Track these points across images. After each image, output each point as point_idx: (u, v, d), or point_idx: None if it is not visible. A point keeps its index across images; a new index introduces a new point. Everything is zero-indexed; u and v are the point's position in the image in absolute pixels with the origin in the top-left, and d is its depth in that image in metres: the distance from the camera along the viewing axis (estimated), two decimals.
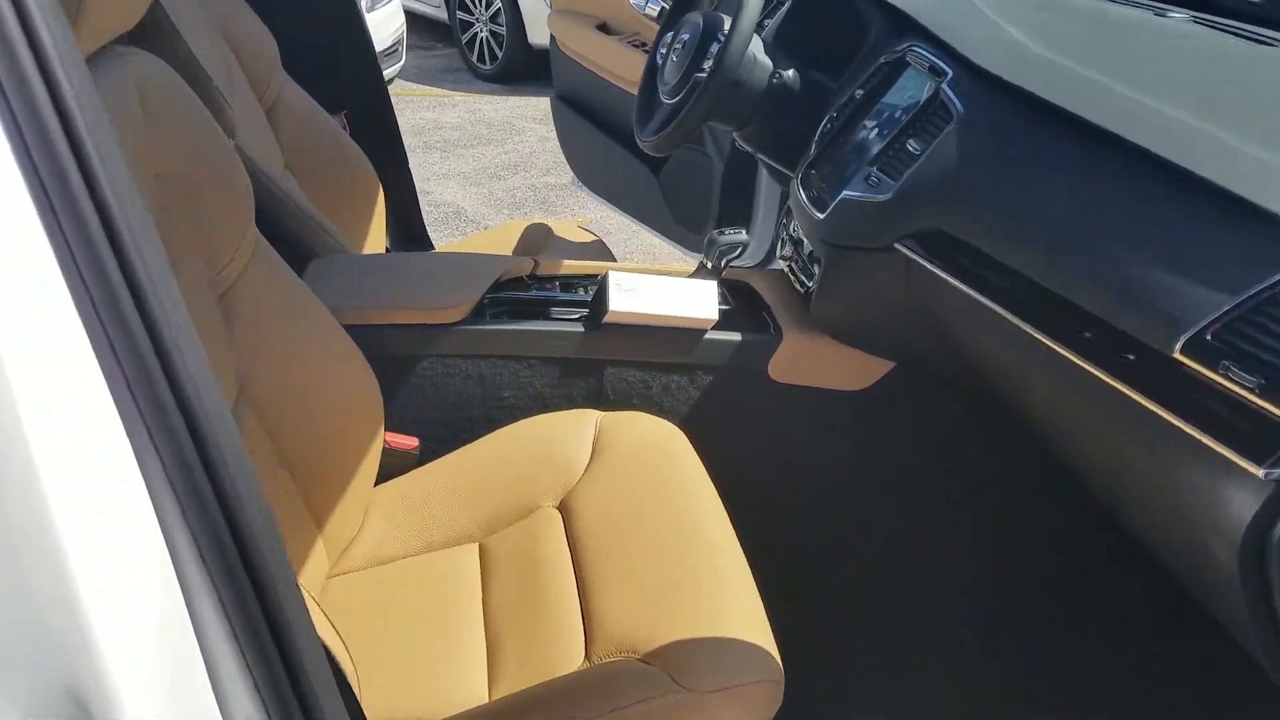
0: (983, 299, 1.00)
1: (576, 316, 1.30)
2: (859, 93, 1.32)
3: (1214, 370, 0.78)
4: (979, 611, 1.33)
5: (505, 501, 1.14)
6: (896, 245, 1.12)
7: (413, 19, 5.94)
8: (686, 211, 2.20)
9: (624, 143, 2.28)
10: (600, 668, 0.90)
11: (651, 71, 1.58)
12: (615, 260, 1.80)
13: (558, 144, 2.68)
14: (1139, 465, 0.89)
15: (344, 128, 1.75)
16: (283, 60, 1.60)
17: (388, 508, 1.15)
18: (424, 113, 5.11)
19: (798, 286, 1.32)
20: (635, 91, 1.62)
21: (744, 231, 1.34)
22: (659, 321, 1.24)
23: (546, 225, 1.84)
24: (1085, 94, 1.00)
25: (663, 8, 2.09)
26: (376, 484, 1.16)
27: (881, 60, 1.32)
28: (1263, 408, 0.75)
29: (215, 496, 0.48)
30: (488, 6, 5.61)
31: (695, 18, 1.44)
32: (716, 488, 1.14)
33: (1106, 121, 0.95)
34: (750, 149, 1.55)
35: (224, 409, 0.50)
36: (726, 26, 1.38)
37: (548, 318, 1.28)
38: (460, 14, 5.77)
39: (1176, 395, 0.81)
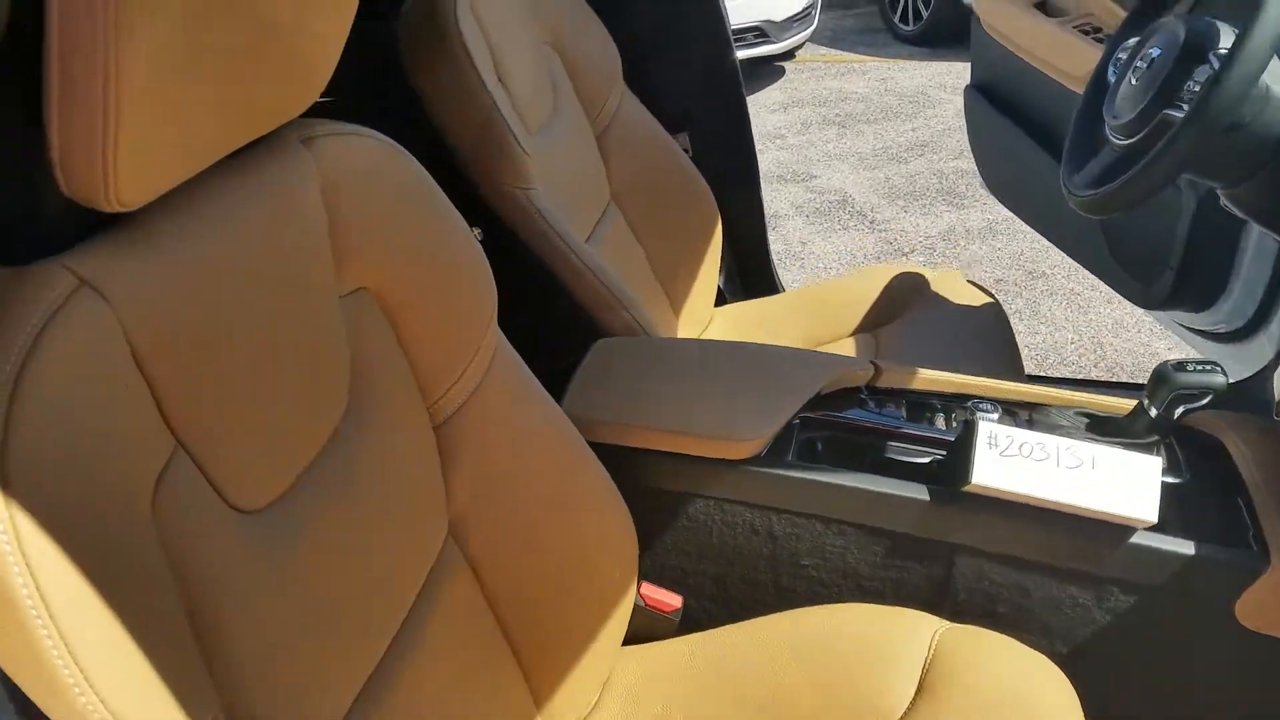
0: None
1: (926, 463, 0.92)
2: None
3: None
4: None
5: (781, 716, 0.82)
6: None
7: None
8: (1132, 250, 1.65)
9: (1053, 152, 1.77)
10: None
11: (1097, 91, 1.11)
12: (1016, 351, 1.35)
13: None
14: None
15: (686, 150, 1.48)
16: (624, 69, 1.36)
17: (633, 683, 0.89)
18: (829, 81, 4.74)
19: None
20: (1077, 90, 1.15)
21: (1218, 370, 0.86)
22: (1051, 505, 0.82)
23: (921, 276, 1.43)
24: None
25: None
26: (625, 645, 0.90)
27: None
28: None
29: None
30: None
31: (1174, 24, 0.96)
32: None
33: None
34: (1243, 215, 1.03)
35: None
36: (1223, 42, 0.90)
37: (879, 466, 0.91)
38: None
39: None
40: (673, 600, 0.94)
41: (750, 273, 1.64)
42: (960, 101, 4.23)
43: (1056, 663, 0.81)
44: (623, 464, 0.88)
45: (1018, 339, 1.40)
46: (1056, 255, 2.86)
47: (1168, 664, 0.84)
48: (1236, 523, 0.84)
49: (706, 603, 0.96)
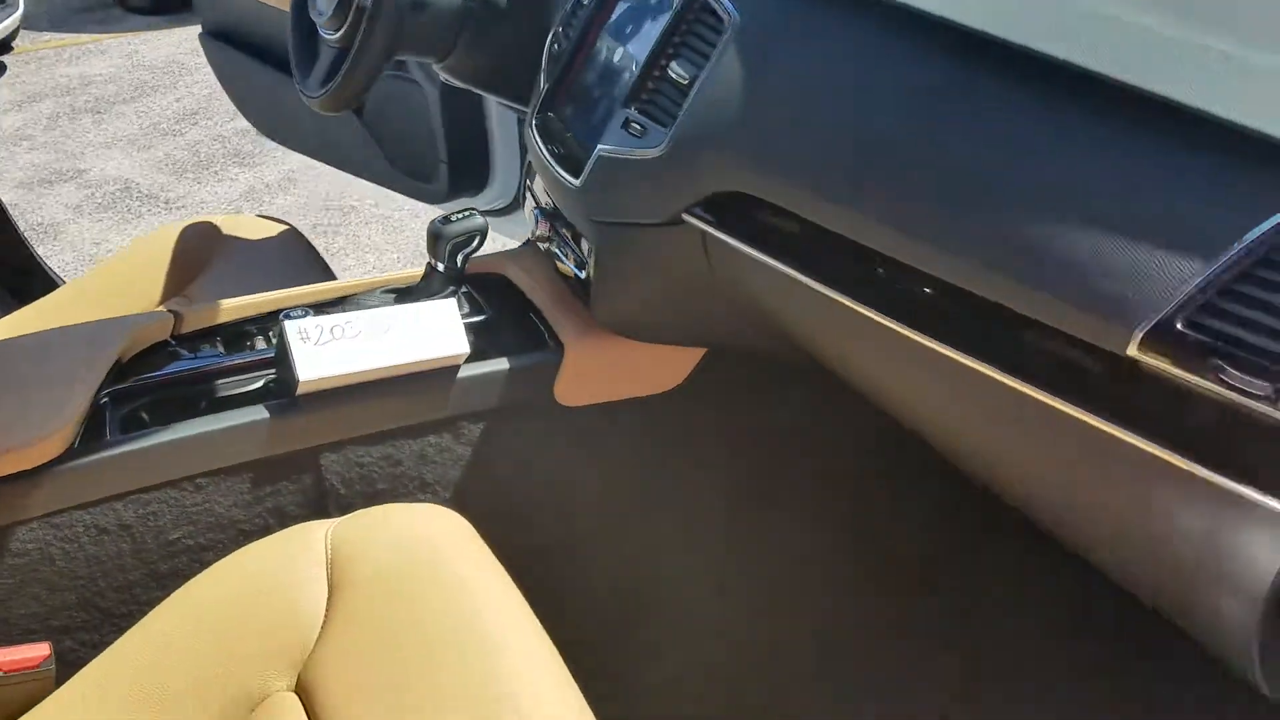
0: (823, 288, 0.71)
1: (261, 386, 0.90)
2: (583, 1, 0.96)
3: (1197, 372, 0.52)
4: (835, 612, 1.11)
5: (209, 703, 0.75)
6: (685, 217, 0.80)
7: None
8: (407, 156, 1.77)
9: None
10: None
11: (302, 1, 1.14)
12: (324, 264, 1.37)
13: None
14: (1090, 496, 0.64)
15: None
16: None
17: None
18: (65, 68, 4.20)
19: (567, 272, 0.98)
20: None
21: (476, 213, 0.97)
22: (382, 375, 0.87)
23: (212, 226, 1.37)
24: None
25: None
26: None
27: None
28: (1270, 416, 0.50)
29: None
30: None
31: None
32: (516, 568, 0.81)
33: (955, 11, 0.65)
34: (462, 84, 1.16)
35: None
36: None
37: (218, 407, 0.87)
38: None
39: (1140, 411, 0.56)
40: (35, 652, 0.79)
41: (16, 275, 1.41)
42: None
43: (443, 504, 0.88)
44: None
45: (347, 275, 1.43)
46: (359, 186, 2.96)
47: (527, 466, 0.96)
48: (535, 332, 0.98)
49: (85, 634, 0.83)
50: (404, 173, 1.80)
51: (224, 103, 3.76)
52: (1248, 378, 0.50)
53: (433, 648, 0.76)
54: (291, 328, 0.83)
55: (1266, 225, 0.50)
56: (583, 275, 0.94)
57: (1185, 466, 0.54)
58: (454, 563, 0.83)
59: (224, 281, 1.24)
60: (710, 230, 0.78)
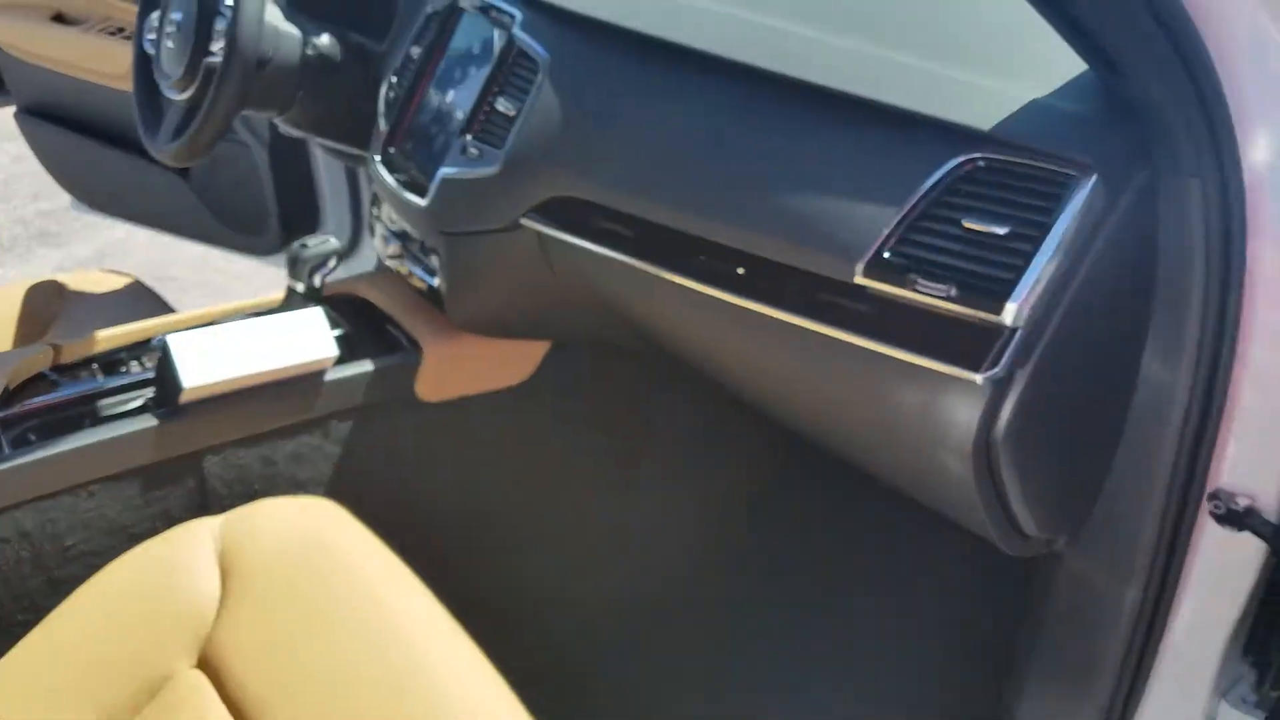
0: (634, 261, 0.89)
1: (143, 404, 0.99)
2: (415, 50, 1.12)
3: (903, 286, 0.73)
4: (697, 572, 1.28)
5: (115, 691, 0.82)
6: (523, 221, 0.96)
7: None
8: (236, 213, 1.85)
9: (132, 149, 1.85)
10: None
11: (144, 65, 1.24)
12: (169, 306, 1.44)
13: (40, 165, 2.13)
14: (846, 399, 0.84)
15: None
16: None
17: None
18: None
19: (419, 285, 1.12)
20: (127, 88, 1.27)
21: (331, 238, 1.10)
22: (260, 380, 0.97)
23: (56, 283, 1.42)
24: (671, 14, 0.90)
25: None
26: None
27: (430, 10, 1.13)
28: (962, 314, 0.71)
29: None
30: None
31: None
32: (398, 546, 0.92)
33: (705, 43, 0.86)
34: (302, 134, 1.28)
35: None
36: None
37: (97, 421, 0.95)
38: None
39: (869, 321, 0.76)
40: None
41: None
42: (15, 148, 3.92)
43: (320, 495, 0.98)
44: None
45: None
46: (177, 253, 2.94)
47: (395, 458, 1.08)
48: (393, 339, 1.11)
49: None
50: (233, 230, 1.88)
51: (22, 184, 3.64)
52: (935, 285, 0.71)
53: (328, 615, 0.86)
54: (174, 340, 0.93)
55: (930, 179, 0.72)
56: (434, 284, 1.08)
57: (902, 356, 0.74)
58: (339, 544, 0.93)
59: (77, 333, 1.30)
60: (544, 229, 0.94)
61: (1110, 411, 0.76)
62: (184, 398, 0.94)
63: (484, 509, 1.14)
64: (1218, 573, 0.74)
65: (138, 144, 1.25)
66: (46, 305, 1.38)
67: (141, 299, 1.42)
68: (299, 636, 0.84)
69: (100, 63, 1.80)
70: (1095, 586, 0.82)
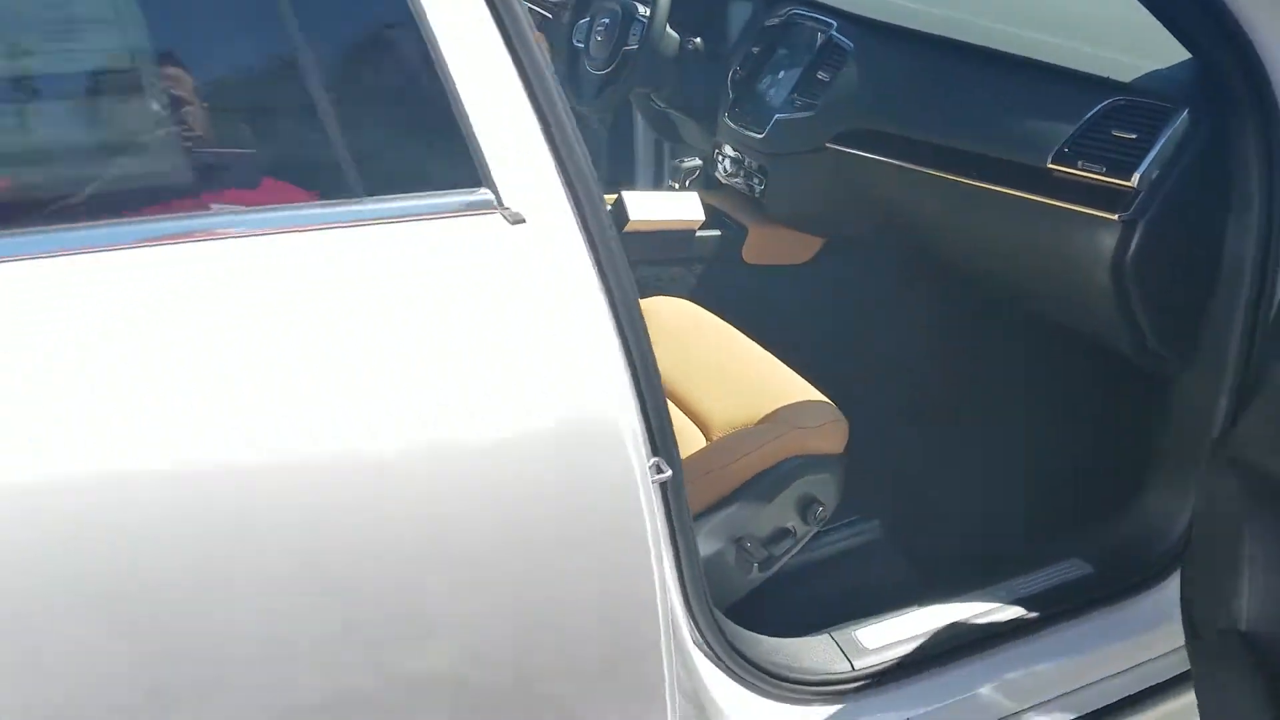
0: (900, 163, 1.48)
1: None
2: (754, 49, 1.78)
3: (1073, 168, 1.29)
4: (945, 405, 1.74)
5: None
6: (827, 145, 1.58)
7: None
8: None
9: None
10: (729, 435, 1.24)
11: (573, 54, 1.94)
12: None
13: None
14: (1032, 245, 1.40)
15: None
16: None
17: None
18: None
19: (748, 193, 1.75)
20: None
21: (696, 159, 1.76)
22: (666, 226, 1.62)
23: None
24: (938, 20, 1.51)
25: None
26: None
27: (766, 24, 1.78)
28: (1108, 181, 1.26)
29: None
30: None
31: (610, 4, 1.82)
32: None
33: (967, 37, 1.46)
34: (664, 106, 1.95)
35: None
36: (640, 10, 1.78)
37: None
38: None
39: (1054, 190, 1.32)
40: None
41: None
42: None
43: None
44: None
45: None
46: None
47: (726, 294, 1.70)
48: (726, 224, 1.74)
49: None
50: None
51: None
52: (1093, 165, 1.27)
53: (701, 341, 1.46)
54: (628, 195, 1.60)
55: (1093, 109, 1.28)
56: (758, 193, 1.71)
57: (1073, 208, 1.29)
58: (698, 313, 1.53)
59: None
60: (843, 148, 1.56)
61: (1204, 266, 1.26)
62: (627, 228, 1.58)
63: (777, 325, 1.70)
64: None
65: None
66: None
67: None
68: (692, 350, 1.43)
69: None
70: (1196, 399, 1.28)
